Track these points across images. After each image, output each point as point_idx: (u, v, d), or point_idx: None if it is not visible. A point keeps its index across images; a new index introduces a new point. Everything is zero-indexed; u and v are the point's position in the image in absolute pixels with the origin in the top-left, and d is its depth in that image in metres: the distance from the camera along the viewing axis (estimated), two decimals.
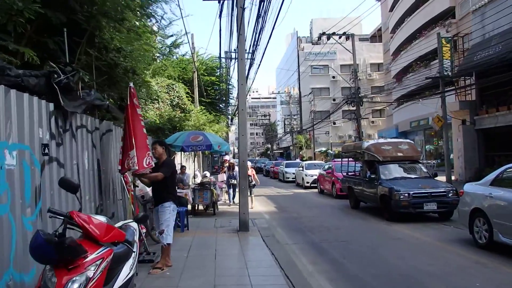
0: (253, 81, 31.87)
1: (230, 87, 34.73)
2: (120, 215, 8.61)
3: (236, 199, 16.49)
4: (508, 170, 9.72)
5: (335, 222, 14.62)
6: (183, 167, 17.48)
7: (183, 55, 30.89)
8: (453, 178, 25.52)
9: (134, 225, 5.35)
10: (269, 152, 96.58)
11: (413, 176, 15.51)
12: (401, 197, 13.67)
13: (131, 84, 7.35)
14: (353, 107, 35.90)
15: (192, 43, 28.46)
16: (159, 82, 21.77)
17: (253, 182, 18.28)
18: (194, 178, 18.53)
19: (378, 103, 47.14)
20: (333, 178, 22.75)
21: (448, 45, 26.15)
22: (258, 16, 12.12)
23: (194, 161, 26.23)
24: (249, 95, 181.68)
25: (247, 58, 21.44)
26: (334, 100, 58.11)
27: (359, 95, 33.82)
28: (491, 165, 24.38)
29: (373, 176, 15.64)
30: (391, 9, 45.53)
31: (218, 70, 32.36)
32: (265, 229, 12.76)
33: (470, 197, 10.40)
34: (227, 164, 20.23)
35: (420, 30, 36.22)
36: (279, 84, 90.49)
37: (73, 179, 4.44)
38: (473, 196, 10.28)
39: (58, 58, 6.15)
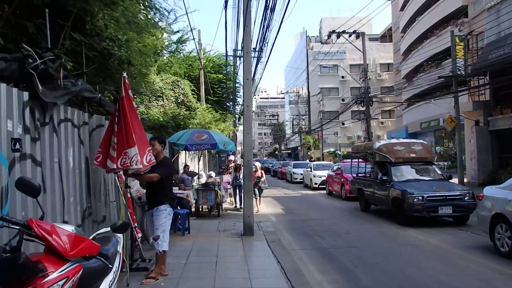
0: (260, 79, 31.12)
1: (237, 85, 34.07)
2: (114, 219, 7.94)
3: None
4: None
5: (344, 225, 13.92)
6: (186, 166, 16.87)
7: (190, 52, 30.33)
8: (465, 180, 24.73)
9: (119, 233, 4.68)
10: (277, 152, 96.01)
11: (426, 178, 14.78)
12: (415, 200, 12.96)
13: (125, 74, 6.67)
14: (362, 107, 35.25)
15: (199, 39, 27.86)
16: (163, 79, 21.21)
17: (262, 184, 17.50)
18: (199, 178, 17.86)
19: (388, 103, 46.31)
20: (342, 180, 22.08)
21: (462, 43, 25.33)
22: (266, 8, 11.46)
23: (199, 161, 25.62)
24: (257, 95, 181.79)
25: (254, 52, 20.89)
26: (343, 100, 57.33)
27: (369, 95, 33.17)
28: (505, 167, 23.67)
29: (384, 178, 14.91)
30: (402, 8, 44.78)
31: (225, 68, 31.72)
32: (271, 233, 12.07)
33: (490, 202, 9.66)
34: (233, 165, 19.57)
35: (432, 29, 35.48)
36: (287, 84, 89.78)
37: (34, 180, 3.72)
38: (494, 201, 9.53)
39: (40, 43, 5.49)
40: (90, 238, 4.33)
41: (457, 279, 7.64)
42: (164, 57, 26.97)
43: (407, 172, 14.89)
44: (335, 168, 24.94)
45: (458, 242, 10.84)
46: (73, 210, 5.94)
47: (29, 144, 4.71)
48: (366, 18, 32.73)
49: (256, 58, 20.73)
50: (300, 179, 34.06)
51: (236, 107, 40.39)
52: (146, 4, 9.71)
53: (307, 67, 65.30)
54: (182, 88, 21.51)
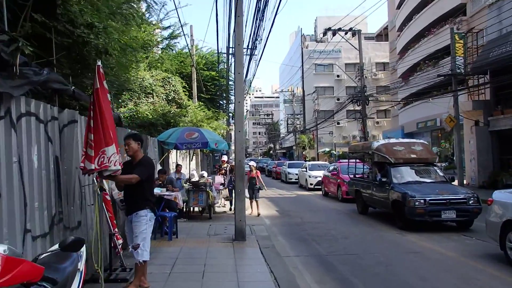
0: (254, 76, 30.24)
1: (231, 83, 33.29)
2: (91, 224, 7.16)
3: None
4: None
5: (342, 229, 13.22)
6: (178, 166, 16.15)
7: (182, 49, 29.55)
8: (464, 182, 24.11)
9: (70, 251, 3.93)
10: (271, 152, 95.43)
11: (428, 180, 14.09)
12: (417, 203, 12.27)
13: (99, 63, 5.92)
14: (358, 106, 34.62)
15: (191, 35, 27.08)
16: (154, 75, 20.47)
17: (258, 186, 16.67)
18: (190, 178, 17.10)
19: (385, 102, 45.66)
20: (338, 180, 21.42)
21: (462, 41, 24.67)
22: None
23: (191, 160, 24.87)
24: (252, 93, 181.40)
25: (247, 50, 20.16)
26: (338, 99, 56.78)
27: (365, 94, 32.53)
28: (506, 169, 23.05)
29: (384, 179, 14.20)
30: (399, 7, 44.17)
31: (218, 65, 30.94)
32: (265, 238, 11.33)
33: (501, 207, 8.95)
34: (225, 165, 18.80)
35: (429, 27, 34.90)
36: (282, 83, 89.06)
37: None
38: (506, 206, 8.81)
39: None
40: (42, 256, 3.59)
41: None
42: (156, 54, 26.30)
43: (408, 174, 14.20)
44: (331, 168, 24.28)
45: (464, 249, 10.15)
46: (38, 216, 5.18)
47: None
48: (361, 17, 32.10)
49: (249, 54, 20.02)
50: (295, 179, 33.45)
51: (229, 105, 39.65)
52: None
53: (302, 65, 64.65)
54: (173, 85, 20.77)
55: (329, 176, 23.28)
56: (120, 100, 18.64)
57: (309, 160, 45.64)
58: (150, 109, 18.36)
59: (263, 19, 11.94)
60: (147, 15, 14.62)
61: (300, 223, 14.64)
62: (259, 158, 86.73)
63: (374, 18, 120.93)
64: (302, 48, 67.16)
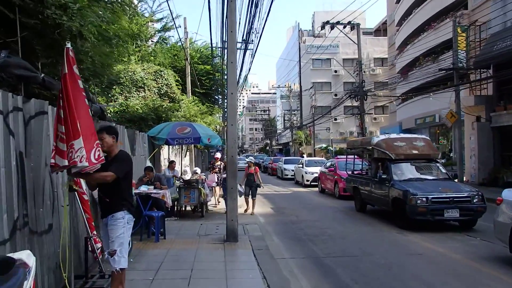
0: (249, 69, 29.56)
1: (226, 77, 32.55)
2: (67, 227, 6.51)
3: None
4: None
5: (340, 228, 12.61)
6: (172, 163, 15.52)
7: (176, 42, 28.86)
8: (464, 179, 23.50)
9: (29, 259, 3.30)
10: (268, 148, 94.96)
11: (430, 177, 13.45)
12: (418, 202, 11.65)
13: (69, 45, 5.25)
14: (356, 101, 34.07)
15: (185, 28, 26.39)
16: (145, 68, 19.83)
17: (256, 182, 15.92)
18: (182, 175, 16.47)
19: (384, 97, 45.02)
20: (335, 177, 20.81)
21: (464, 34, 24.02)
22: None
23: (185, 156, 24.22)
24: (249, 89, 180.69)
25: (241, 43, 19.51)
26: (335, 95, 56.22)
27: (363, 89, 31.95)
28: (507, 166, 22.49)
29: (384, 176, 13.58)
30: (398, 1, 43.53)
31: (213, 59, 30.22)
32: (258, 238, 10.69)
33: (511, 207, 8.33)
34: (219, 163, 18.16)
35: (429, 22, 34.22)
36: (279, 79, 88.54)
37: None
38: None
39: None
40: None
41: None
42: (149, 47, 25.64)
43: (409, 170, 13.57)
44: (328, 164, 23.69)
45: (470, 251, 9.53)
46: None
47: None
48: (359, 11, 31.44)
49: (243, 48, 19.37)
50: (291, 175, 32.78)
51: (225, 100, 38.95)
52: None
53: (299, 60, 64.04)
54: (165, 79, 20.15)
55: (326, 172, 22.70)
56: (110, 95, 18.04)
57: (307, 156, 44.99)
58: (141, 103, 17.74)
59: (258, 4, 11.27)
60: (140, 7, 14.00)
61: (295, 222, 14.04)
62: (255, 154, 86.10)
63: (372, 13, 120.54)
64: (299, 43, 66.54)
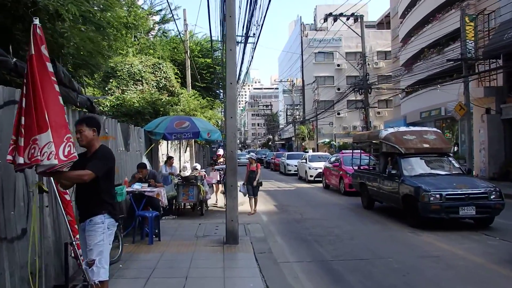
0: (250, 62, 28.78)
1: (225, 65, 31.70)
2: (47, 232, 5.78)
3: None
4: None
5: (347, 228, 11.86)
6: (171, 159, 14.78)
7: (176, 35, 28.10)
8: (473, 174, 22.72)
9: None
10: (270, 143, 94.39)
11: (442, 172, 12.67)
12: (431, 198, 10.89)
13: (36, 21, 4.47)
14: (360, 95, 33.32)
15: (184, 20, 25.63)
16: (143, 61, 19.10)
17: (258, 180, 14.97)
18: (181, 172, 15.74)
19: (389, 90, 44.22)
20: (341, 172, 20.05)
21: (472, 23, 23.19)
22: None
23: (185, 152, 23.53)
24: (251, 85, 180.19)
25: (241, 37, 18.73)
26: (338, 89, 55.42)
27: (368, 82, 31.19)
28: None
29: (393, 171, 12.81)
30: None
31: (215, 50, 29.45)
32: (260, 239, 9.95)
33: None
34: (221, 160, 17.41)
35: (434, 13, 33.43)
36: (281, 73, 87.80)
37: None
38: None
39: None
40: None
41: None
42: (148, 40, 24.90)
43: (420, 165, 12.79)
44: (332, 159, 22.96)
45: (491, 253, 8.78)
46: None
47: None
48: (361, 3, 30.60)
49: (244, 38, 18.60)
50: (295, 171, 32.20)
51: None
52: None
53: (302, 54, 63.24)
54: (164, 72, 19.40)
55: (330, 167, 21.95)
56: (106, 88, 17.36)
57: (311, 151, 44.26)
58: (138, 96, 17.03)
59: None
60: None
61: (300, 220, 13.31)
62: (257, 149, 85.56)
63: (374, 7, 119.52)
64: (301, 37, 65.72)
